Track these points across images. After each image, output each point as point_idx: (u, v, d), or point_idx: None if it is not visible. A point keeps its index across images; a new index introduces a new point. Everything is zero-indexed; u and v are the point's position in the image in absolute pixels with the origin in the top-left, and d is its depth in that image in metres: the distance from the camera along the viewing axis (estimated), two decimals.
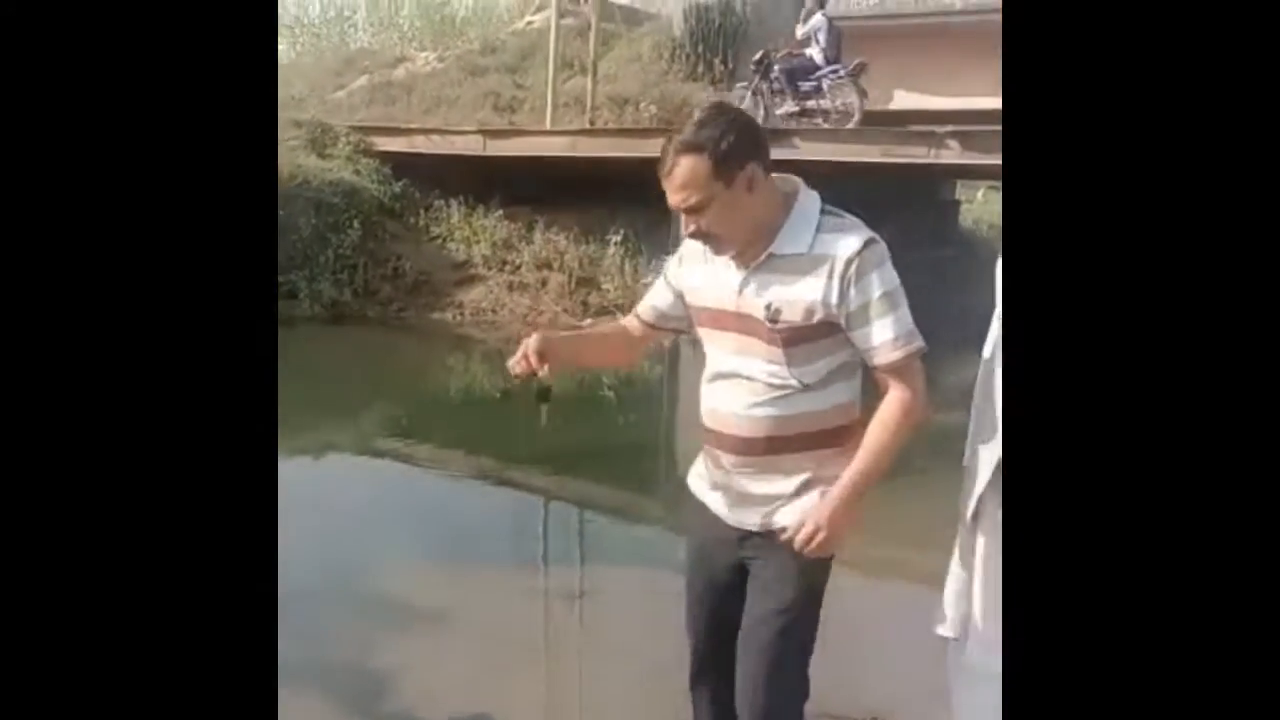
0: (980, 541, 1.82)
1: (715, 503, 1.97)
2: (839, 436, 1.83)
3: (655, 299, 2.02)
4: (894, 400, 1.76)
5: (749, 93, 10.45)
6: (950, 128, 9.06)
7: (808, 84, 10.23)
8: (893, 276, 1.73)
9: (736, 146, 1.67)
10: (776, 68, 10.36)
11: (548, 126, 11.52)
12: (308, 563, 4.06)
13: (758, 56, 10.58)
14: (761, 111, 10.15)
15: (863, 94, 10.08)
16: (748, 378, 1.81)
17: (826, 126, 9.99)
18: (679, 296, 1.96)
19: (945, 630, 1.93)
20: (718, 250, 1.80)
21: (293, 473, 5.81)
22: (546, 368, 1.86)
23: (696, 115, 1.73)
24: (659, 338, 2.10)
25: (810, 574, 1.87)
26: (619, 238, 11.10)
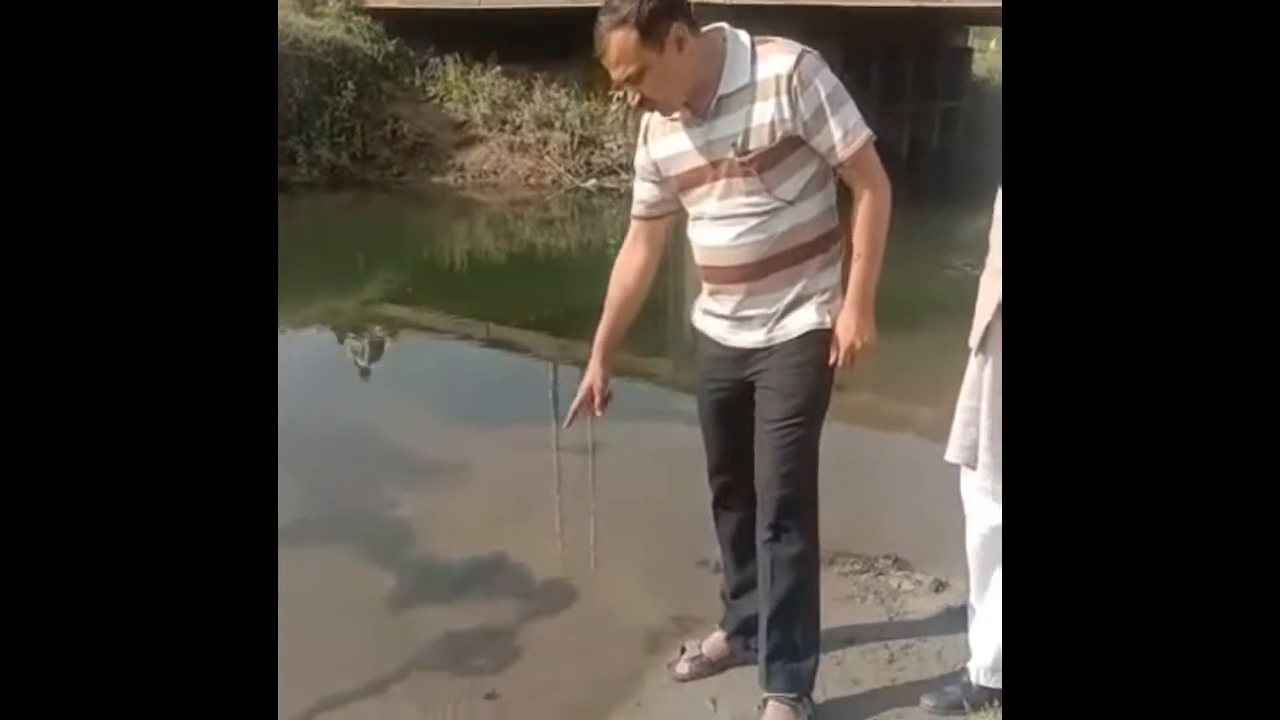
0: (986, 372, 1.92)
1: (719, 331, 2.09)
2: (823, 244, 1.98)
3: (640, 194, 2.12)
4: (864, 199, 1.93)
5: None
6: None
7: None
8: (831, 79, 1.87)
9: (657, 13, 1.79)
10: None
11: None
12: (323, 422, 4.15)
13: None
14: None
15: None
16: (732, 215, 1.94)
17: None
18: (658, 180, 2.05)
19: (953, 457, 2.03)
20: (666, 111, 1.93)
21: (302, 343, 5.87)
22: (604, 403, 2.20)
23: None
24: (661, 231, 2.16)
25: (813, 379, 2.00)
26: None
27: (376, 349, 5.85)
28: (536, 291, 7.28)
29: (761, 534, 2.06)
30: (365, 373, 5.39)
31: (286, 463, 3.73)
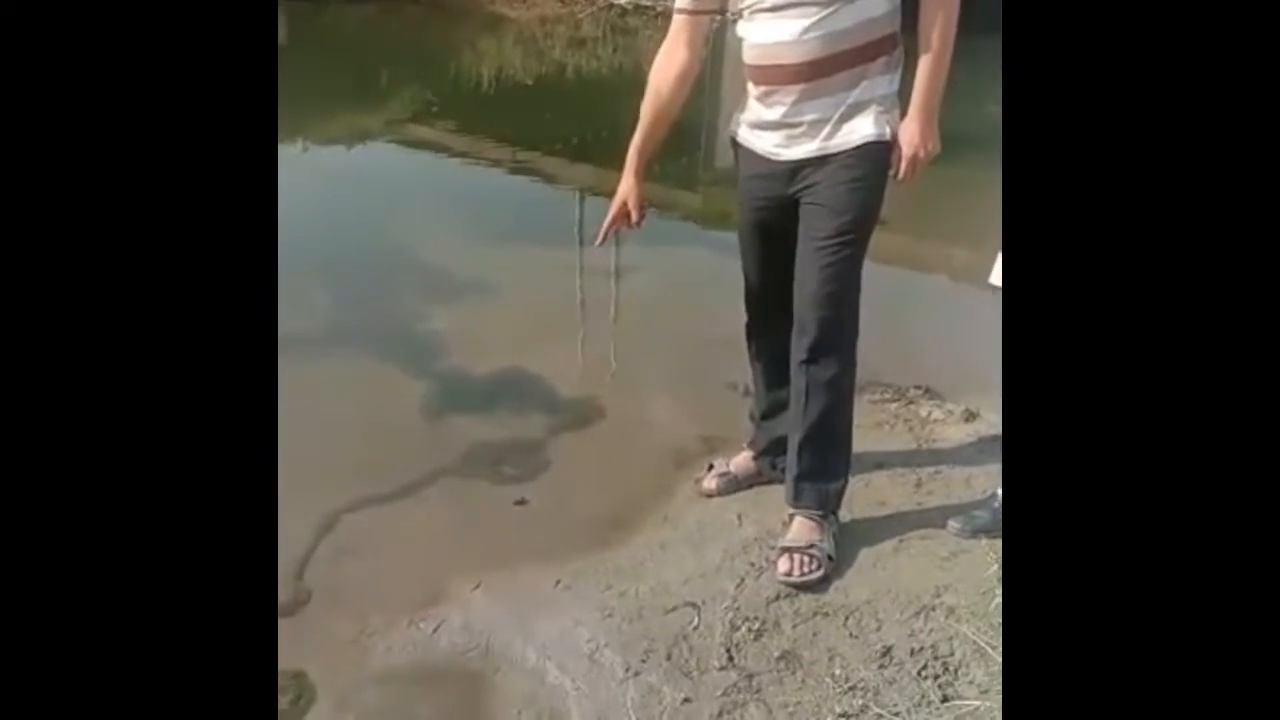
0: None
1: (767, 144, 2.01)
2: (886, 46, 1.90)
3: None
4: (929, 6, 1.86)
5: None
6: None
7: None
8: None
9: None
10: None
11: None
12: (351, 239, 4.12)
13: None
14: None
15: None
16: (794, 4, 1.85)
17: None
18: None
19: (995, 279, 2.05)
20: None
21: (328, 159, 5.76)
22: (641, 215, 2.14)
23: None
24: (702, 34, 2.04)
25: (865, 196, 1.94)
26: None
27: None
28: (565, 116, 7.06)
29: (798, 355, 2.03)
30: None
31: (319, 273, 3.73)
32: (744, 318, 2.27)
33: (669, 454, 2.57)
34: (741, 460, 2.37)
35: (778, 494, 2.26)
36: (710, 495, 2.34)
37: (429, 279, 3.70)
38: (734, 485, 2.34)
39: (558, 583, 2.03)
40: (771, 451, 2.32)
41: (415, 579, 2.07)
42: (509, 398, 2.87)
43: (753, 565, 2.06)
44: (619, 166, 2.14)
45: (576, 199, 5.01)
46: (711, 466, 2.39)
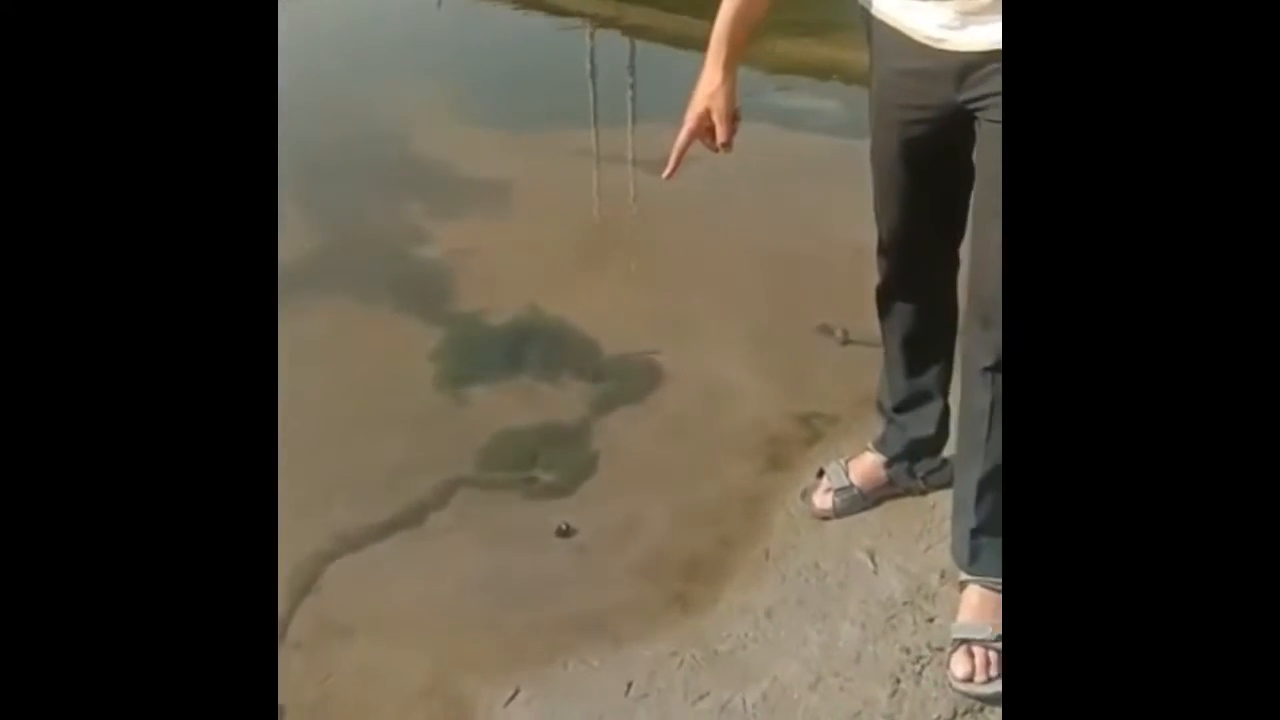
0: None
1: (926, 21, 1.30)
2: None
3: None
4: None
5: None
6: None
7: None
8: None
9: None
10: None
11: None
12: (322, 122, 3.31)
13: None
14: None
15: None
16: None
17: None
18: None
19: None
20: None
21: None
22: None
23: None
24: None
25: None
26: None
27: None
28: None
29: (981, 357, 1.35)
30: None
31: (283, 177, 2.98)
32: (869, 231, 1.57)
33: (758, 446, 1.90)
34: (866, 466, 1.72)
35: (919, 515, 1.64)
36: (825, 518, 1.70)
37: (425, 180, 2.93)
38: (858, 503, 1.70)
39: (629, 687, 1.43)
40: (909, 456, 1.68)
41: (427, 679, 1.48)
42: (537, 358, 2.20)
43: (908, 654, 1.44)
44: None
45: (587, 36, 4.07)
46: (823, 474, 1.75)
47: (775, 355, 2.15)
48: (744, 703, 1.39)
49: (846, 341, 2.16)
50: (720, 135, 1.44)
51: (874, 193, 1.50)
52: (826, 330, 2.19)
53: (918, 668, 1.41)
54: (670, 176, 1.47)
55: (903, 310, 1.56)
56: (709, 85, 1.42)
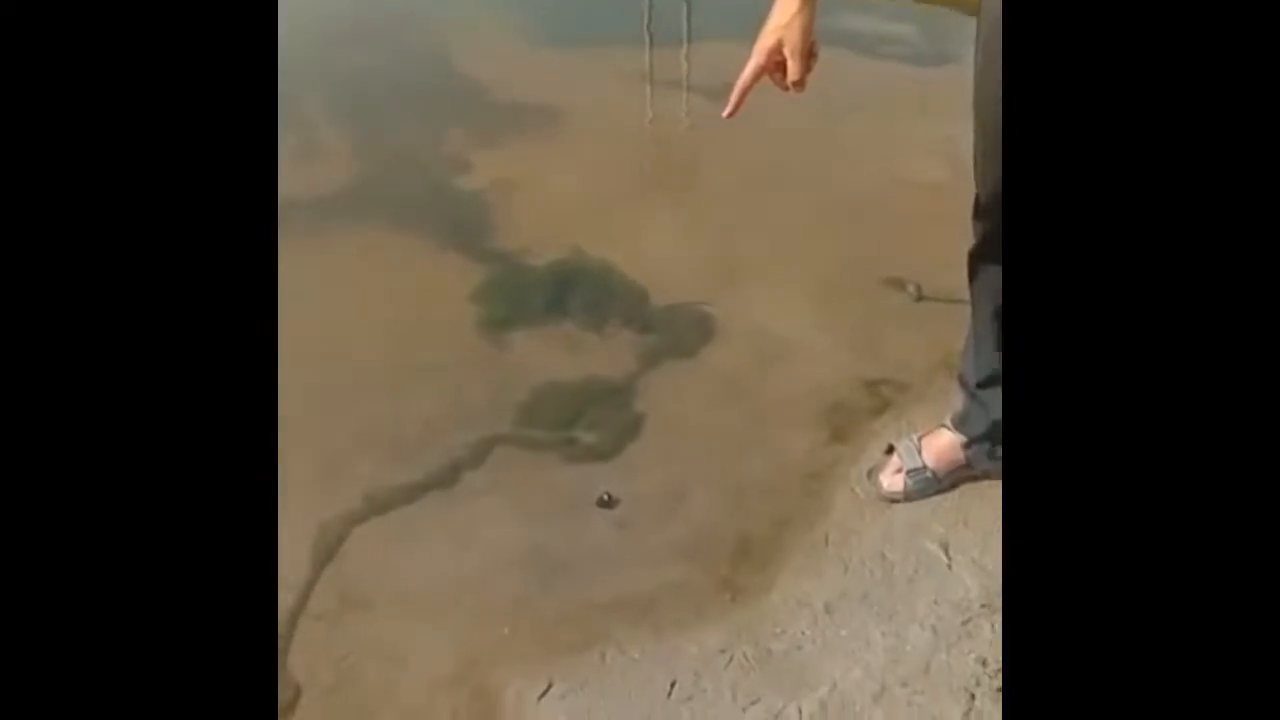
0: None
1: None
2: None
3: None
4: None
5: None
6: None
7: None
8: None
9: None
10: None
11: None
12: (359, 39, 3.12)
13: None
14: None
15: None
16: None
17: None
18: None
19: None
20: None
21: None
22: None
23: None
24: None
25: None
26: None
27: None
28: None
29: None
30: None
31: (320, 98, 2.81)
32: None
33: (819, 414, 1.74)
34: (942, 446, 1.55)
35: (999, 504, 1.47)
36: (894, 500, 1.55)
37: (467, 104, 2.74)
38: (931, 486, 1.54)
39: (672, 687, 1.30)
40: (991, 438, 1.51)
41: (453, 665, 1.36)
42: (581, 304, 2.04)
43: (985, 666, 1.29)
44: None
45: None
46: (892, 450, 1.59)
47: (839, 311, 1.97)
48: (800, 712, 1.25)
49: (920, 298, 1.97)
50: (793, 73, 1.24)
51: (974, 145, 1.30)
52: (897, 284, 2.00)
53: (996, 683, 1.26)
54: (732, 115, 1.28)
55: (998, 279, 1.37)
56: (783, 15, 1.21)
